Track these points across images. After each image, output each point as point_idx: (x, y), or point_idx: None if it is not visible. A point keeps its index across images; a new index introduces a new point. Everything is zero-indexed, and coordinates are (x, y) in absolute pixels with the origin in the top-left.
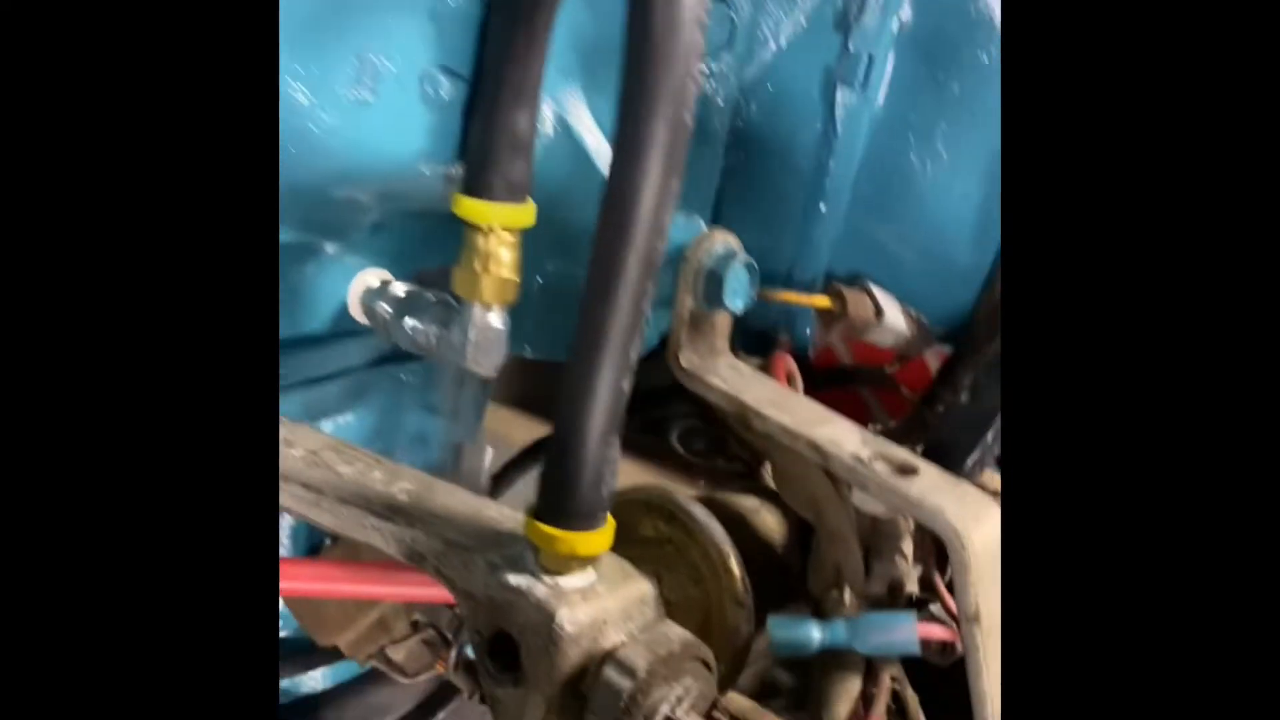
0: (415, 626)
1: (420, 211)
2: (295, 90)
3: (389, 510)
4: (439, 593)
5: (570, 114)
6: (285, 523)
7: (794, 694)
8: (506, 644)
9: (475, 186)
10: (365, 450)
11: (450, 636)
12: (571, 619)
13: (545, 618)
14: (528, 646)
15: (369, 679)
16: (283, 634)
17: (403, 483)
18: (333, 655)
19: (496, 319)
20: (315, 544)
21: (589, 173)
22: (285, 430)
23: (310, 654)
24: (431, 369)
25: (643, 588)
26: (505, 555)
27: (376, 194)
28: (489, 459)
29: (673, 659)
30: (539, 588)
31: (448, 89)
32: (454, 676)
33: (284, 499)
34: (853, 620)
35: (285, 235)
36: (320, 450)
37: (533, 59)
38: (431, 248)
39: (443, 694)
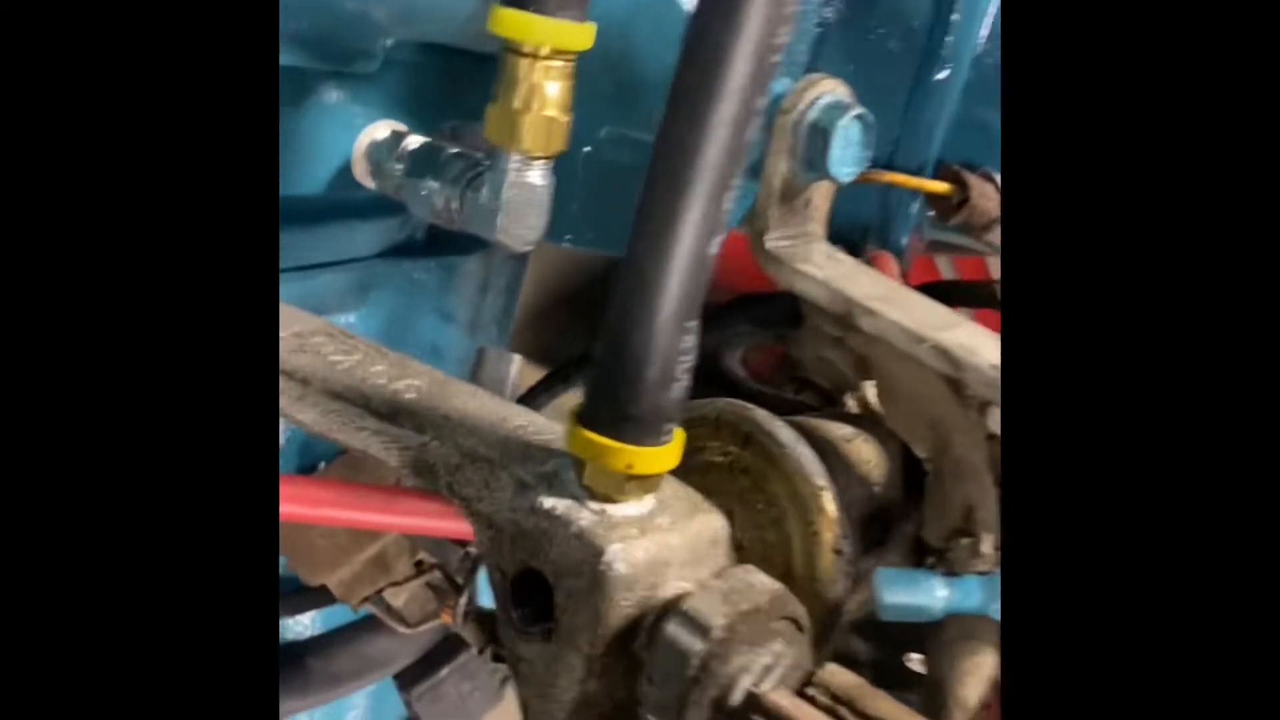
0: (419, 567)
1: (442, 47)
2: None
3: (391, 410)
4: (452, 524)
5: None
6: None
7: (875, 669)
8: (536, 586)
9: None
10: (369, 341)
11: (460, 580)
12: (625, 556)
13: (590, 553)
14: (565, 590)
15: (363, 626)
16: None
17: (411, 379)
18: (326, 596)
19: (538, 174)
20: (308, 465)
21: (666, 9)
22: None
23: (299, 594)
24: (450, 267)
25: (715, 523)
26: (538, 472)
27: (396, 10)
28: (516, 367)
29: (757, 616)
30: (582, 514)
31: None
32: (462, 629)
33: None
34: (991, 577)
35: (283, 57)
36: (310, 334)
37: None
38: (453, 98)
39: (448, 647)
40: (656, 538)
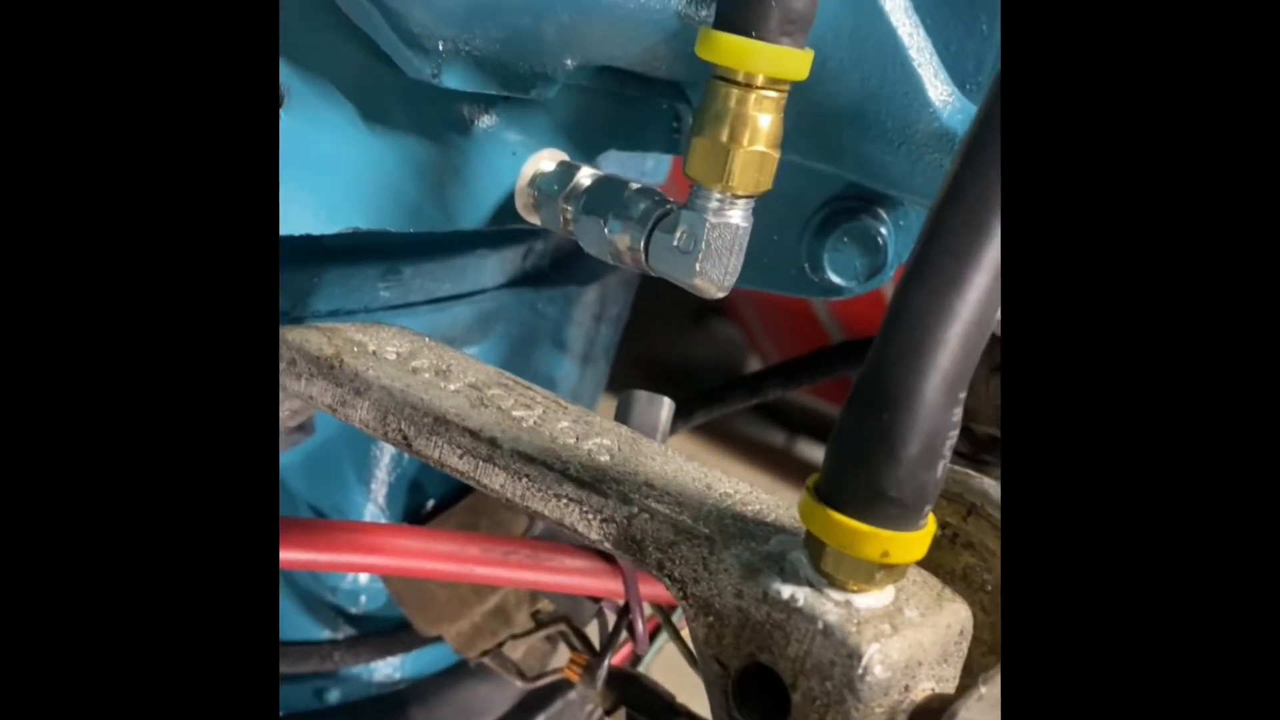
0: (537, 617)
1: (613, 71)
2: None
3: (592, 476)
4: (604, 583)
5: None
6: (379, 481)
7: None
8: (765, 683)
9: (739, 16)
10: (538, 387)
11: (595, 641)
12: (883, 658)
13: (842, 653)
14: (806, 692)
15: (461, 673)
16: (355, 609)
17: (599, 437)
18: (414, 639)
19: (740, 214)
20: (418, 504)
21: (869, 25)
22: (432, 354)
23: (390, 634)
24: (571, 297)
25: (962, 614)
26: (763, 553)
27: (583, 33)
28: (668, 412)
29: None
30: (827, 607)
31: None
32: (593, 689)
33: (441, 453)
34: None
35: (451, 79)
36: (486, 386)
37: None
38: (617, 125)
39: (543, 694)
40: (909, 634)
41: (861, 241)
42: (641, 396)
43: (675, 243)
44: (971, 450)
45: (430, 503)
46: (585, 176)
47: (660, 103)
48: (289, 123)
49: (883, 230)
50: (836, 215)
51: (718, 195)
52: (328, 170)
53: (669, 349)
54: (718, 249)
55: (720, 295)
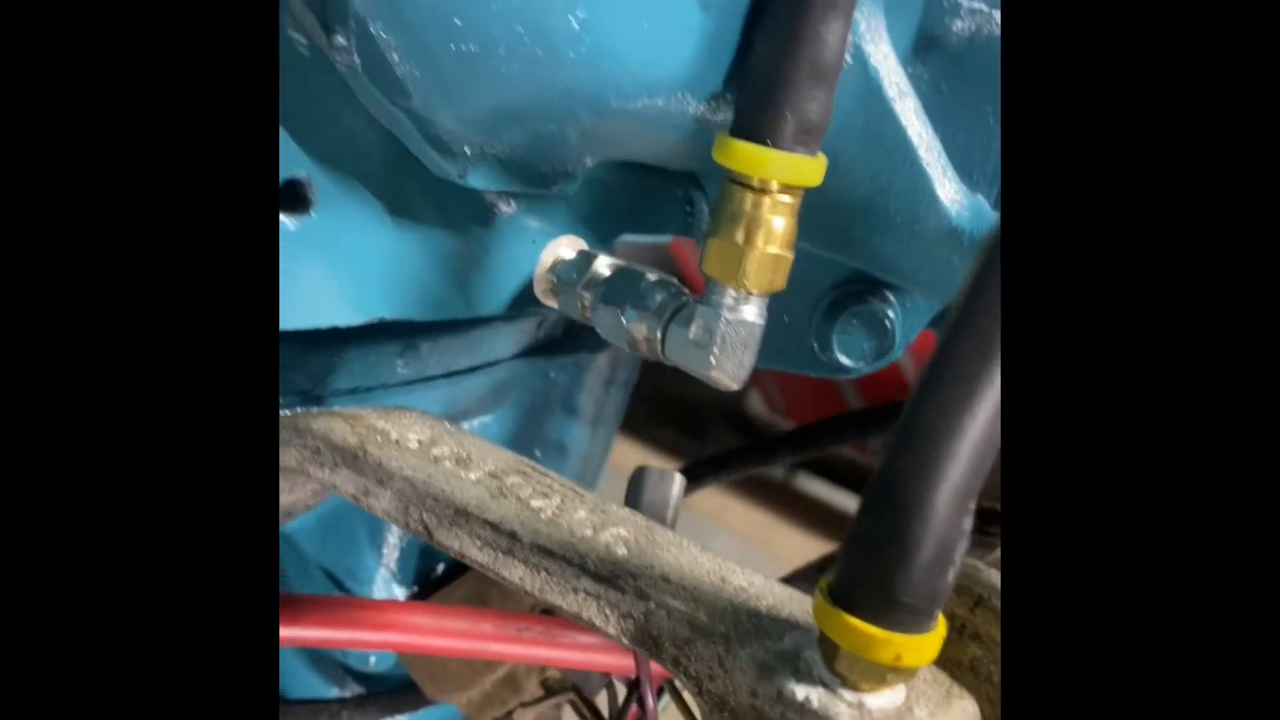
0: (547, 687)
1: (633, 164)
2: None
3: (609, 570)
4: (615, 659)
5: (866, 37)
6: (390, 545)
7: None
8: None
9: (755, 125)
10: (553, 472)
11: (603, 712)
12: None
13: None
14: None
15: None
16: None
17: (616, 527)
18: (422, 698)
19: (754, 311)
20: (428, 569)
21: (880, 124)
22: (452, 441)
23: (398, 694)
24: (583, 365)
25: (970, 710)
26: (777, 650)
27: (604, 133)
28: (678, 488)
29: None
30: (839, 708)
31: None
32: None
33: (462, 544)
34: None
35: (477, 180)
36: (505, 473)
37: None
38: (634, 212)
39: None
40: None
41: (869, 324)
42: (652, 474)
43: (691, 336)
44: (975, 524)
45: (440, 567)
46: (604, 266)
47: (675, 189)
48: (318, 219)
49: (890, 314)
50: (845, 298)
51: (733, 293)
52: (355, 264)
53: (675, 384)
54: (733, 344)
55: (735, 388)
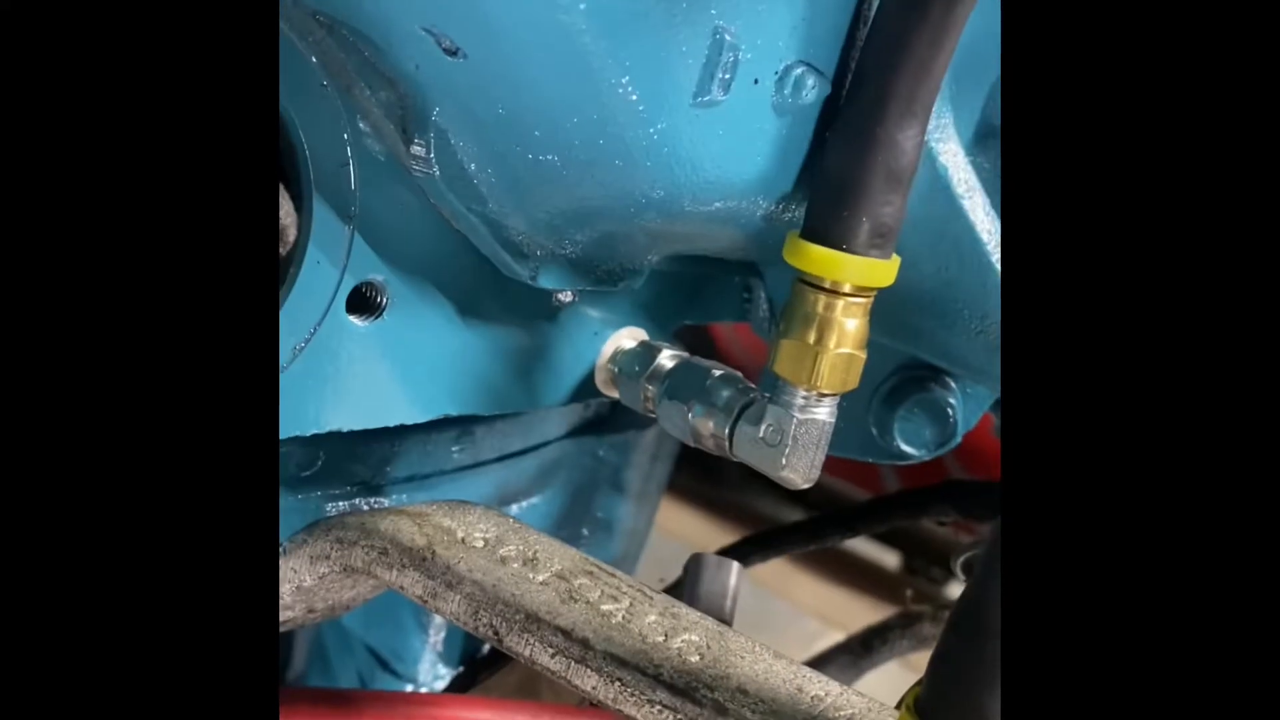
0: None
1: (693, 258)
2: (629, 87)
3: (685, 682)
4: None
5: (936, 135)
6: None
7: None
8: None
9: (829, 228)
10: (620, 573)
11: None
12: None
13: None
14: None
15: None
16: None
17: (688, 633)
18: None
19: (826, 411)
20: (472, 650)
21: (948, 220)
22: (518, 540)
23: None
24: (631, 442)
25: None
26: None
27: (676, 231)
28: (736, 577)
29: None
30: None
31: (809, 91)
32: None
33: (533, 651)
34: None
35: (547, 281)
36: (573, 574)
37: (938, 58)
38: (694, 301)
39: None
40: None
41: (932, 412)
42: (710, 562)
43: (761, 435)
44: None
45: (485, 647)
46: (667, 358)
47: (732, 276)
48: (390, 321)
49: (952, 401)
50: (906, 384)
51: (804, 393)
52: (422, 363)
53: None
54: (804, 444)
55: (806, 486)
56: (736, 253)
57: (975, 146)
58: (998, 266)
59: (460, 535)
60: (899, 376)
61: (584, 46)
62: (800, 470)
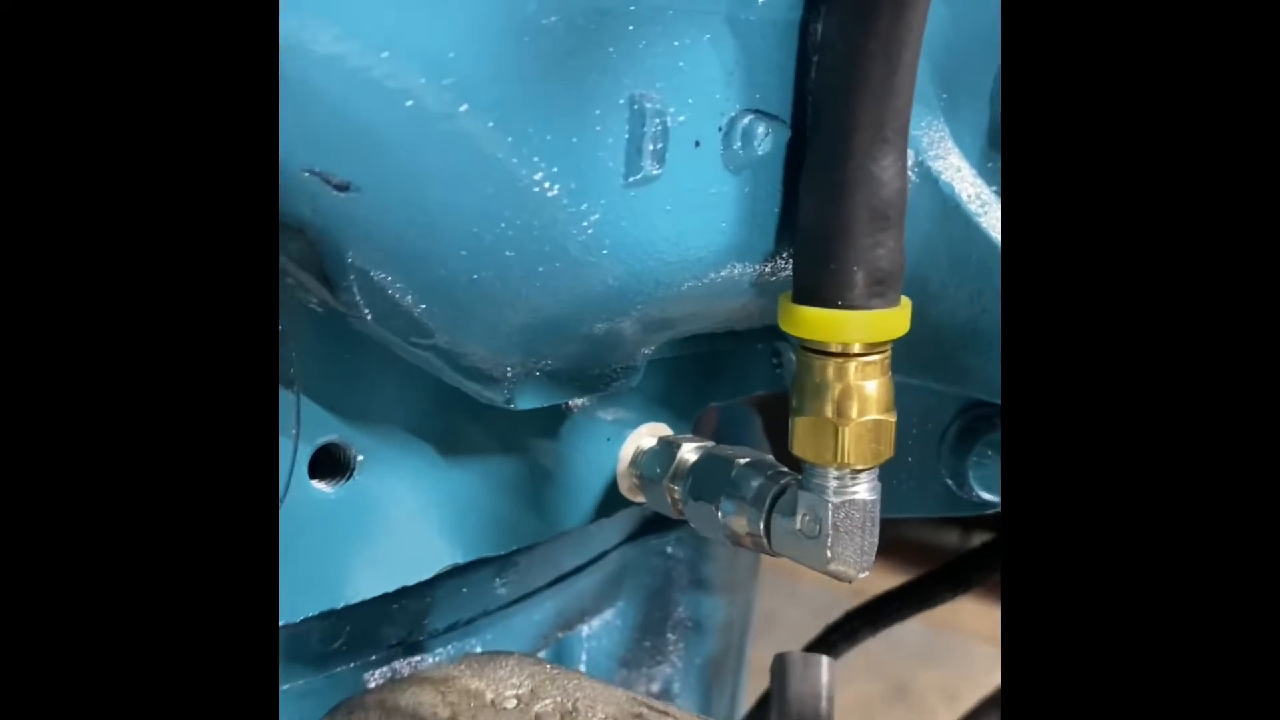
0: None
1: (701, 337)
2: (544, 179)
3: None
4: None
5: (931, 153)
6: None
7: None
8: None
9: (820, 287)
10: (674, 709)
11: None
12: None
13: None
14: None
15: None
16: None
17: None
18: None
19: (865, 488)
20: None
21: (967, 243)
22: (556, 690)
23: None
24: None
25: None
26: None
27: (655, 319)
28: (828, 673)
29: None
30: None
31: (762, 140)
32: None
33: None
34: None
35: (526, 401)
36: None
37: (899, 73)
38: (711, 380)
39: None
40: None
41: None
42: (795, 661)
43: (798, 526)
44: None
45: None
46: (689, 452)
47: (753, 345)
48: (362, 481)
49: None
50: (973, 426)
51: (835, 473)
52: (411, 517)
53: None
54: (847, 530)
55: (861, 576)
56: (745, 322)
57: (990, 152)
58: None
59: (490, 697)
60: (964, 419)
61: (482, 149)
62: (850, 560)
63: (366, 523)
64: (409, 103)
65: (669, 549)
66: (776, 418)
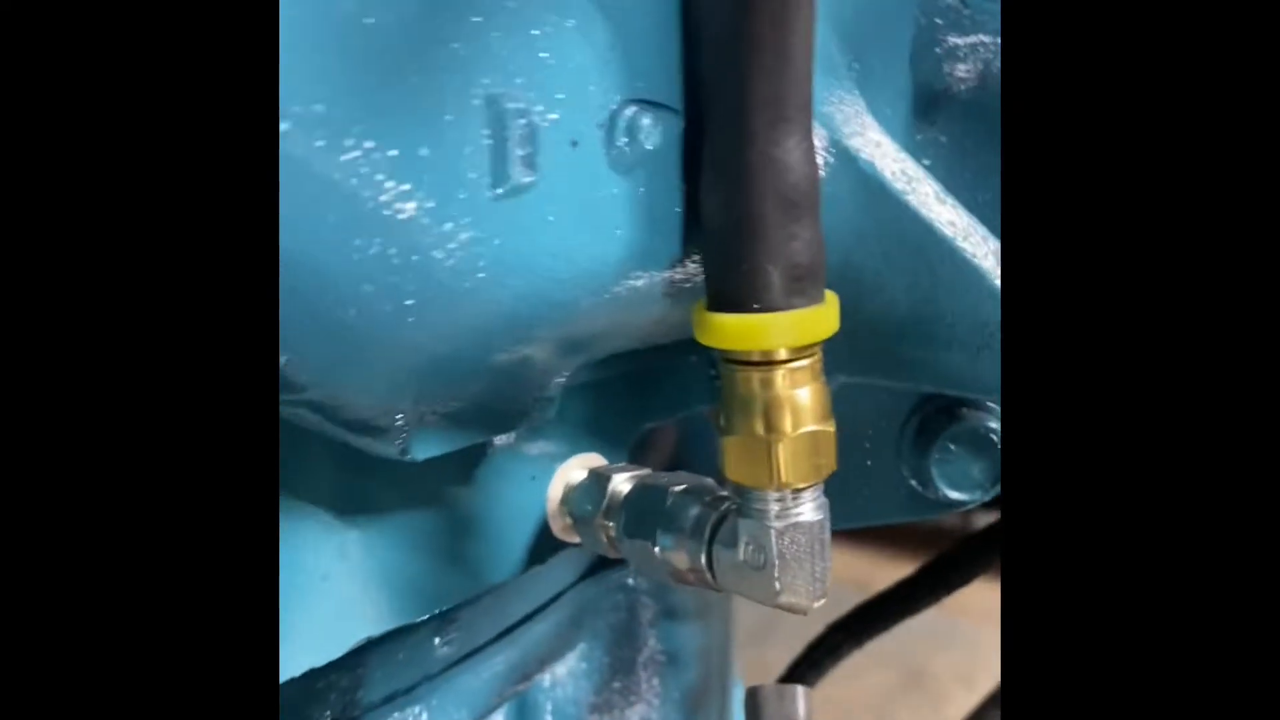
0: None
1: (623, 355)
2: (393, 199)
3: None
4: None
5: (846, 130)
6: None
7: None
8: None
9: (733, 291)
10: None
11: None
12: None
13: None
14: None
15: None
16: None
17: None
18: None
19: (810, 506)
20: None
21: (897, 225)
22: None
23: None
24: None
25: None
26: None
27: (562, 342)
28: (804, 704)
29: None
30: None
31: (650, 133)
32: None
33: None
34: None
35: (423, 449)
36: None
37: (792, 40)
38: (642, 399)
39: None
40: None
41: (973, 444)
42: (769, 694)
43: (741, 558)
44: None
45: None
46: (622, 483)
47: (686, 357)
48: None
49: (992, 424)
50: (932, 420)
51: (775, 495)
52: (314, 591)
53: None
54: (795, 557)
55: (817, 605)
56: (668, 335)
57: (921, 122)
58: (975, 259)
59: None
60: (921, 415)
61: (315, 173)
62: (802, 591)
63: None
64: None
65: (630, 581)
66: None
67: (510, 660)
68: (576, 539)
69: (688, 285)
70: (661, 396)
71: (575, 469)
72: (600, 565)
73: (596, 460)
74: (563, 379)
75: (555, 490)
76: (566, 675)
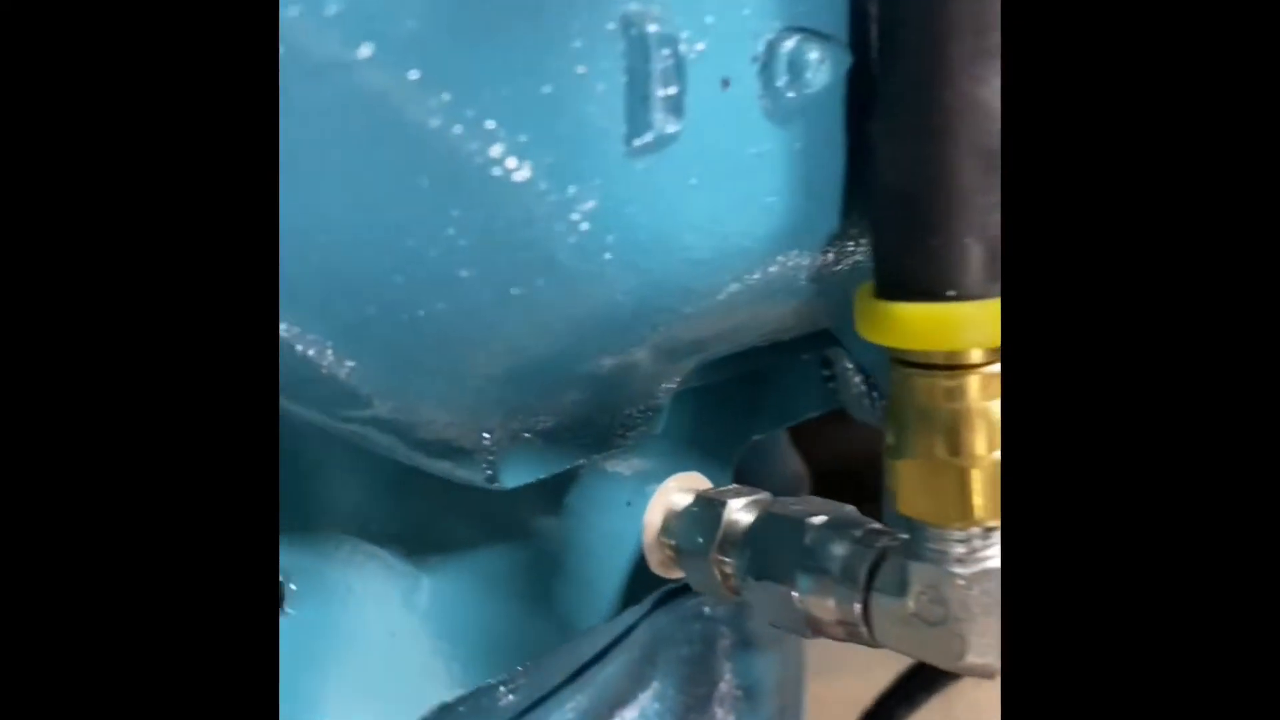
0: None
1: (732, 358)
2: (494, 158)
3: None
4: None
5: None
6: None
7: None
8: None
9: (917, 274)
10: None
11: None
12: None
13: None
14: None
15: None
16: None
17: None
18: None
19: (994, 549)
20: None
21: None
22: None
23: None
24: None
25: None
26: None
27: (683, 342)
28: None
29: None
30: None
31: (818, 70)
32: None
33: None
34: None
35: (514, 476)
36: None
37: None
38: (751, 410)
39: None
40: None
41: None
42: None
43: (913, 609)
44: None
45: None
46: (740, 511)
47: (799, 356)
48: (304, 618)
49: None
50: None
51: (959, 535)
52: (377, 652)
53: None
54: (985, 610)
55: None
56: (790, 331)
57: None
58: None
59: None
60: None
61: (401, 118)
62: (991, 650)
63: (312, 666)
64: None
65: (707, 609)
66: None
67: (580, 707)
68: (679, 574)
69: (837, 270)
70: (770, 403)
71: (675, 492)
72: (673, 593)
73: (699, 480)
74: (674, 385)
75: (654, 517)
76: (641, 717)
